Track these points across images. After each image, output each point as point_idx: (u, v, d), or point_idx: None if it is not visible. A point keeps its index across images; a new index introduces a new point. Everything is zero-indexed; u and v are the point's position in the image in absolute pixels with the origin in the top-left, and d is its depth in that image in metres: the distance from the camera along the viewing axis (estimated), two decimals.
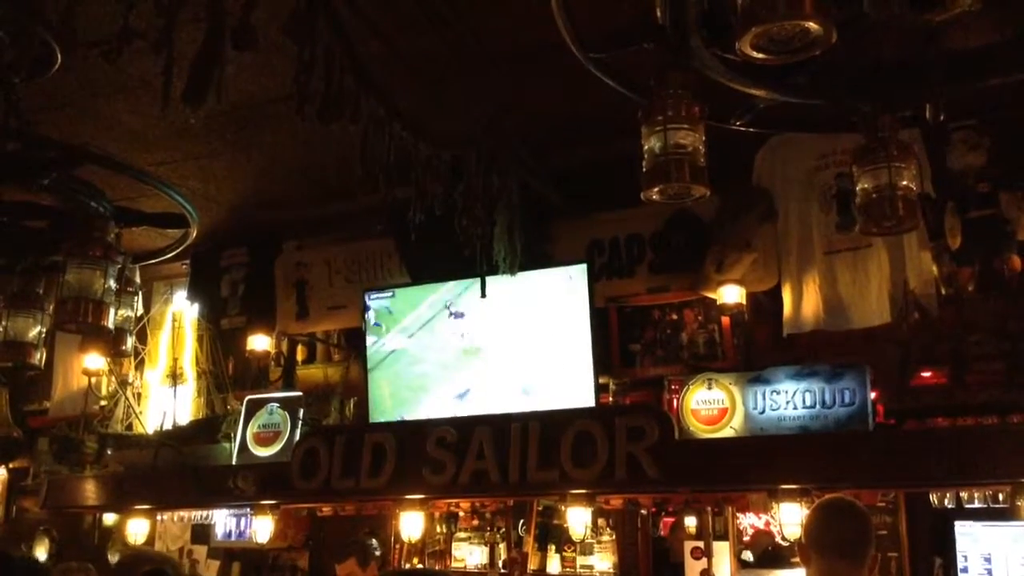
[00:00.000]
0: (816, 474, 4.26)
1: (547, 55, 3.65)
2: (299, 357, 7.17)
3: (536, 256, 5.53)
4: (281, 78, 4.16)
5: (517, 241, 5.23)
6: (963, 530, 4.91)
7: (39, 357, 3.84)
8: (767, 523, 5.35)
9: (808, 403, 4.52)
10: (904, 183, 2.88)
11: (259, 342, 6.77)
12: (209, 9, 2.74)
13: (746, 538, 5.49)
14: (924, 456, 4.14)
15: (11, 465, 7.92)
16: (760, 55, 2.12)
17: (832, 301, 5.10)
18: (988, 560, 4.87)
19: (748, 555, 5.44)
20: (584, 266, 5.41)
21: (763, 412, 4.62)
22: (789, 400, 4.57)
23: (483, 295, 5.43)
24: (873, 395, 4.52)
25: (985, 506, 4.75)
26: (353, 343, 6.61)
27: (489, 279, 5.35)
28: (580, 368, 5.26)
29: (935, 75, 2.88)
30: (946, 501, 4.86)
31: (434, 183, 4.38)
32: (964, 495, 4.76)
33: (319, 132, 3.71)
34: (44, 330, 3.82)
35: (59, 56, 3.28)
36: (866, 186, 2.92)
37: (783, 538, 4.78)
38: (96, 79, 4.72)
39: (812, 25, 2.02)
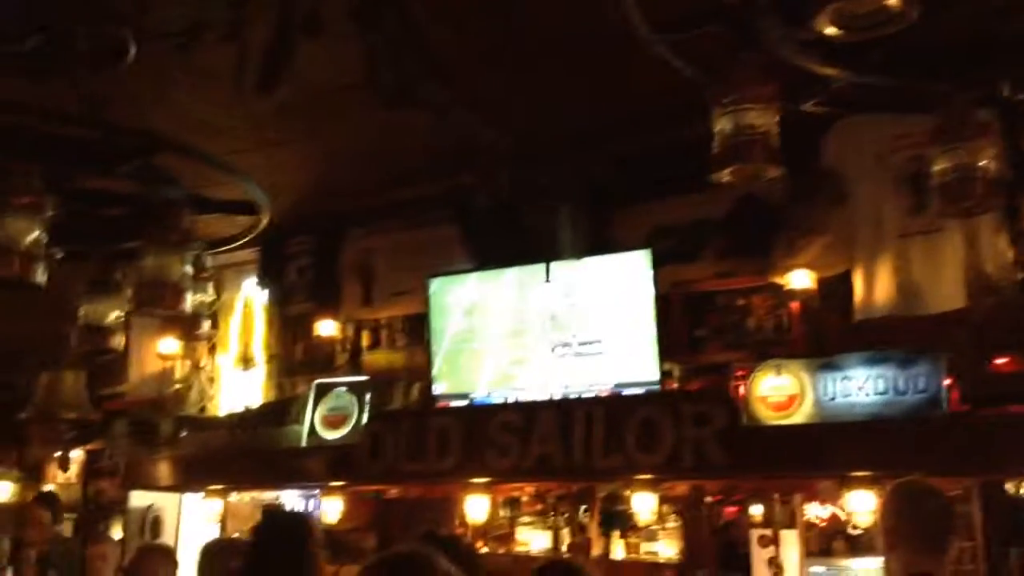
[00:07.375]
0: (889, 462, 4.17)
1: (609, 39, 3.61)
2: (364, 343, 7.26)
3: (599, 242, 5.51)
4: (350, 67, 4.19)
5: (580, 227, 5.23)
6: None
7: (118, 341, 3.95)
8: (833, 514, 5.25)
9: (881, 389, 4.42)
10: (983, 163, 2.80)
11: (325, 327, 6.87)
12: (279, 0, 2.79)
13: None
14: (1000, 443, 4.04)
15: (88, 447, 8.17)
16: (837, 32, 2.08)
17: (906, 285, 5.00)
18: None
19: None
20: (648, 251, 5.37)
21: (833, 399, 4.53)
22: (861, 387, 4.46)
23: (547, 280, 5.43)
24: (947, 381, 4.41)
25: None
26: (417, 329, 6.66)
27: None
28: (644, 353, 5.23)
29: (1010, 53, 2.79)
30: (1022, 490, 4.73)
31: (498, 170, 4.40)
32: None
33: (386, 119, 3.76)
34: (122, 314, 3.92)
35: (132, 48, 3.36)
36: (943, 166, 2.84)
37: (853, 527, 4.70)
38: (168, 69, 4.82)
39: (892, 0, 1.97)
